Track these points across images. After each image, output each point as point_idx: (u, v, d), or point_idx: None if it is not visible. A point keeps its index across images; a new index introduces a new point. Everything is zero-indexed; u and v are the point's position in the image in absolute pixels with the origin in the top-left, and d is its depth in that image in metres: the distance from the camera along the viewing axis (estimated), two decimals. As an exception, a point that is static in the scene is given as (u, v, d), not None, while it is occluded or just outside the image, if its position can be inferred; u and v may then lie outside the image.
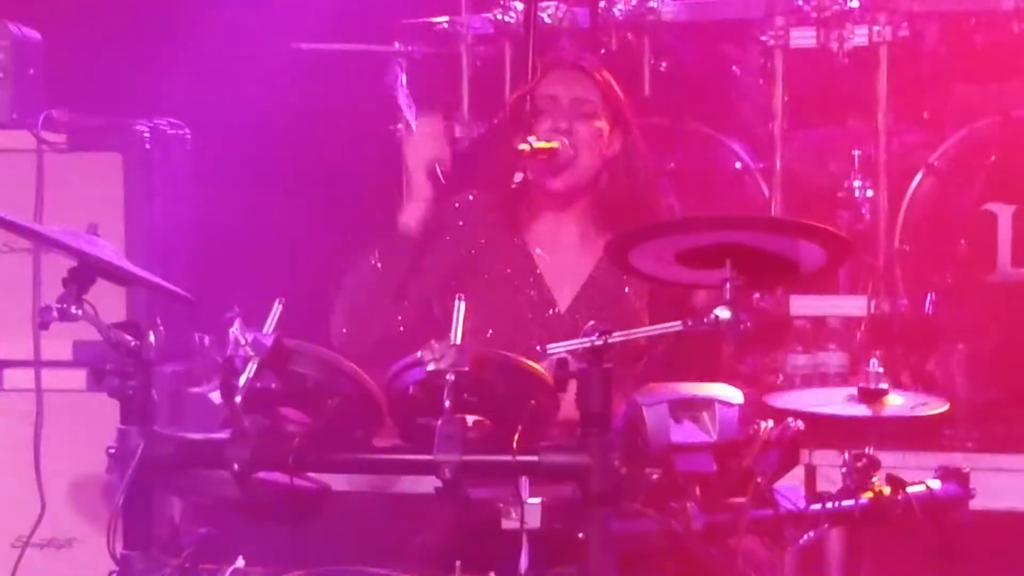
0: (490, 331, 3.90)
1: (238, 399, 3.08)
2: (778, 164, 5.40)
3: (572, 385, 3.10)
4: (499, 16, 5.79)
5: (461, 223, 4.04)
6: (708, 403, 3.22)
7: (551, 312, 3.96)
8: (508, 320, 3.90)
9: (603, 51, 5.38)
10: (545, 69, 3.98)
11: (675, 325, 3.24)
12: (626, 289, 4.00)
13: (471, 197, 4.11)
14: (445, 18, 5.93)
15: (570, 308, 3.97)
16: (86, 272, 3.27)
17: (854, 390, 3.65)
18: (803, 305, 5.22)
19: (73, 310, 3.23)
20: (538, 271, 4.00)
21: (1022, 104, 5.31)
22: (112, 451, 3.25)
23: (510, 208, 4.02)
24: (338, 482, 3.39)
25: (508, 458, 3.08)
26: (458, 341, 3.04)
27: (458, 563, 3.08)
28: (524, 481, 3.07)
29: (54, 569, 4.76)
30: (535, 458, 3.09)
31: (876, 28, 5.22)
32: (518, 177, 3.85)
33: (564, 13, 5.50)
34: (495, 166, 4.05)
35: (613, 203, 4.02)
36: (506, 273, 3.99)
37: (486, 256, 4.01)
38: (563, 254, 4.02)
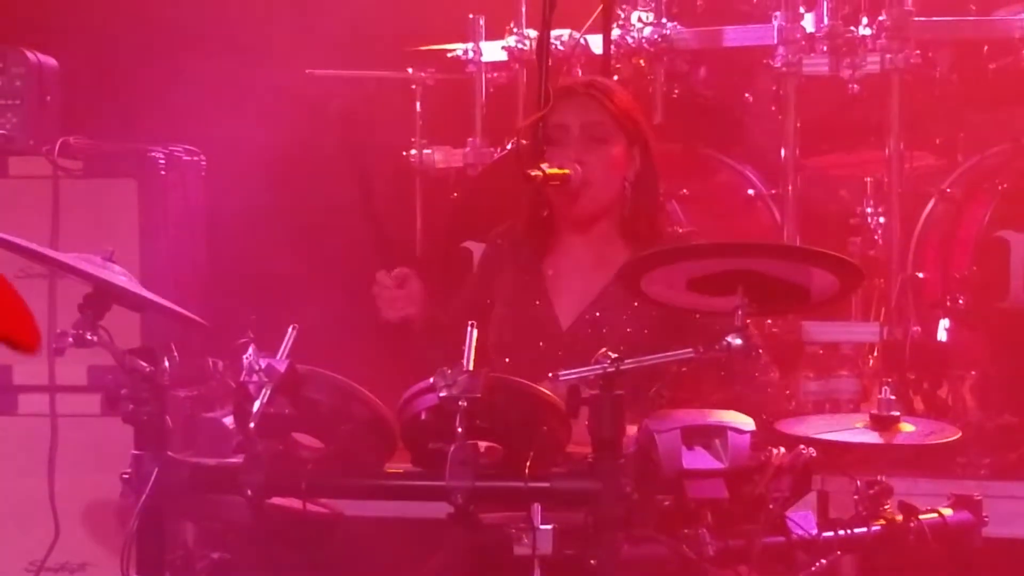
0: (493, 349, 3.91)
1: (252, 424, 3.09)
2: (790, 190, 5.41)
3: (584, 411, 3.11)
4: (513, 43, 5.81)
5: (497, 257, 4.11)
6: (720, 430, 3.22)
7: (553, 331, 3.96)
8: (510, 338, 3.92)
9: (616, 78, 5.40)
10: (556, 98, 3.98)
11: (687, 352, 3.25)
12: (631, 313, 3.96)
13: (504, 232, 4.15)
14: (459, 45, 5.96)
15: (572, 327, 3.97)
16: (101, 298, 3.29)
17: (866, 417, 3.65)
18: (815, 331, 5.22)
19: (88, 336, 3.25)
20: (546, 291, 4.01)
21: (1034, 131, 5.32)
22: (126, 476, 3.27)
23: (533, 234, 4.05)
24: (350, 507, 3.39)
25: (520, 484, 3.09)
26: (471, 367, 3.05)
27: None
28: (536, 507, 3.07)
29: (67, 594, 4.77)
30: (547, 484, 3.09)
31: (888, 56, 5.23)
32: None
33: (577, 40, 5.52)
34: (514, 194, 4.07)
35: (635, 223, 4.01)
36: (516, 292, 4.01)
37: (507, 281, 4.05)
38: (574, 274, 4.02)
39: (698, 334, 3.48)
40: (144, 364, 3.25)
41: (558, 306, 4.00)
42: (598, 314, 3.95)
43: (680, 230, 4.42)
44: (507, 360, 3.89)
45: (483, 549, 3.17)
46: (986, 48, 5.61)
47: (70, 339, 3.24)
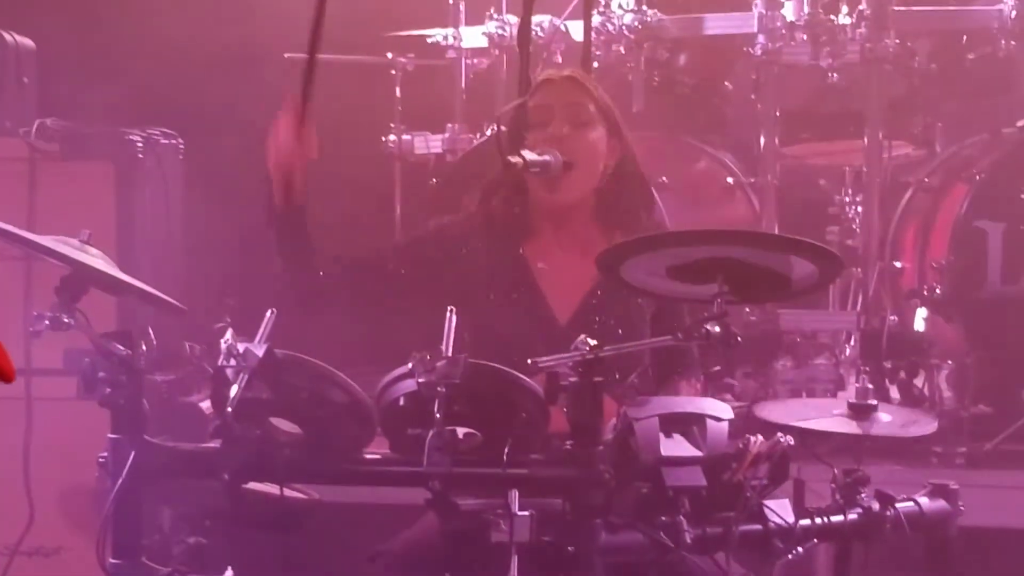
0: (492, 348, 3.83)
1: (229, 409, 3.08)
2: (769, 179, 5.42)
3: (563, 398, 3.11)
4: (493, 29, 5.80)
5: (462, 245, 3.98)
6: (698, 417, 3.22)
7: (551, 326, 3.91)
8: (509, 336, 3.85)
9: (596, 65, 5.39)
10: (537, 87, 3.94)
11: (666, 339, 3.25)
12: (632, 301, 3.93)
13: (466, 216, 4.06)
14: (439, 30, 5.95)
15: (570, 322, 3.90)
16: (78, 281, 3.27)
17: (844, 405, 3.65)
18: (793, 320, 5.23)
19: (64, 319, 3.23)
20: (538, 285, 3.94)
21: (1012, 121, 5.32)
22: (102, 460, 3.25)
23: (510, 221, 3.96)
24: (328, 493, 3.39)
25: (498, 470, 3.08)
26: (449, 353, 3.05)
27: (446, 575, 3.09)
28: (514, 494, 3.07)
29: (43, 577, 4.76)
30: (525, 471, 3.09)
31: (868, 45, 5.24)
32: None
33: (557, 27, 5.51)
34: (490, 179, 4.01)
35: (614, 213, 3.98)
36: (506, 288, 3.94)
37: (487, 273, 3.96)
38: (564, 267, 3.95)
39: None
40: (121, 348, 3.23)
41: (553, 301, 3.94)
42: (595, 304, 3.91)
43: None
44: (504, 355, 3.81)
45: (460, 535, 3.17)
46: (965, 38, 5.62)
47: (46, 322, 3.23)
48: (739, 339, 3.18)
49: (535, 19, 5.27)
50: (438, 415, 3.02)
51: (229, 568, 3.20)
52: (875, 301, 5.26)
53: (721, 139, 5.91)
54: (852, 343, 5.36)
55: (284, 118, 3.84)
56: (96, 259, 3.35)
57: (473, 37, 5.89)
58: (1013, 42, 5.27)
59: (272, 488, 3.21)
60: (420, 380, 3.04)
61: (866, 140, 5.34)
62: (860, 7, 5.26)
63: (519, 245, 3.96)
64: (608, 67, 5.55)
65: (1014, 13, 5.24)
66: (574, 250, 3.95)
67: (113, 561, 3.24)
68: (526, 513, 3.06)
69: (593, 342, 3.09)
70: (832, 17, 5.30)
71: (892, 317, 5.21)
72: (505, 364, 3.19)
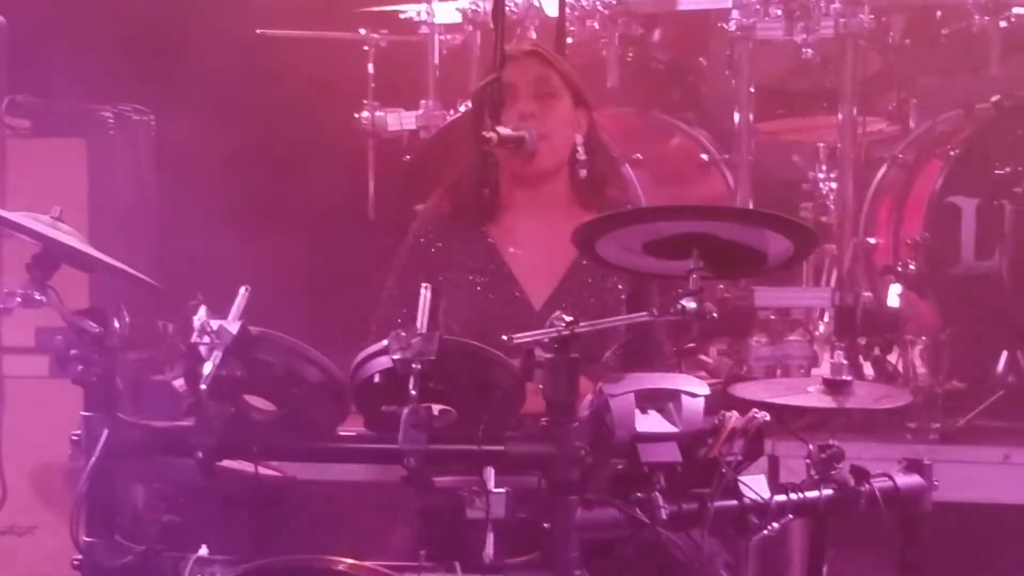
0: (466, 334, 3.80)
1: (203, 387, 3.07)
2: (744, 155, 5.42)
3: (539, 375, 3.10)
4: (466, 4, 5.78)
5: (426, 236, 3.96)
6: (674, 394, 3.22)
7: (526, 312, 3.90)
8: (484, 324, 3.84)
9: (570, 41, 5.38)
10: (504, 59, 3.93)
11: (642, 316, 3.24)
12: (606, 283, 3.93)
13: (431, 209, 4.04)
14: (412, 6, 5.92)
15: (546, 306, 3.90)
16: (49, 258, 3.25)
17: (818, 381, 3.66)
18: (768, 296, 5.24)
19: (36, 296, 3.21)
20: (511, 271, 3.94)
21: (986, 97, 5.33)
22: (75, 438, 3.24)
23: (476, 205, 3.94)
24: (302, 471, 3.38)
25: (474, 447, 3.08)
26: (424, 330, 3.04)
27: (422, 552, 3.08)
28: (489, 470, 3.06)
29: (16, 556, 4.74)
30: (500, 447, 3.09)
31: (842, 20, 5.24)
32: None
33: (531, 3, 5.50)
34: (466, 167, 3.99)
35: (584, 191, 3.97)
36: (478, 276, 3.93)
37: (456, 261, 3.94)
38: (538, 252, 3.95)
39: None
40: (93, 325, 3.21)
41: (527, 287, 3.93)
42: (569, 288, 3.90)
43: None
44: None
45: (436, 512, 3.16)
46: (939, 14, 5.62)
47: (18, 299, 3.20)
48: (714, 315, 3.18)
49: (509, -6, 5.26)
50: (413, 392, 3.01)
51: (203, 546, 3.19)
52: (849, 277, 5.27)
53: (695, 115, 5.91)
54: (826, 319, 5.37)
55: None
56: (68, 236, 3.32)
57: (446, 13, 5.87)
58: (987, 17, 5.27)
59: (246, 466, 3.20)
60: (395, 357, 3.02)
61: (840, 116, 5.34)
62: (835, -18, 5.25)
63: (489, 231, 3.95)
64: (582, 43, 5.53)
65: (988, -12, 5.24)
66: (546, 235, 3.94)
67: (87, 539, 3.23)
68: (502, 490, 3.05)
69: (568, 318, 3.08)
70: (807, -8, 5.29)
71: (866, 293, 5.22)
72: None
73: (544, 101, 3.92)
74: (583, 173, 3.94)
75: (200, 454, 3.12)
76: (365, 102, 6.00)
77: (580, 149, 3.94)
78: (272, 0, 6.03)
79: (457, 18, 5.83)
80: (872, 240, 5.38)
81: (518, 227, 3.97)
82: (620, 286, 3.91)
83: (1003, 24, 5.27)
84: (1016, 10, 5.29)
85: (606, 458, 3.16)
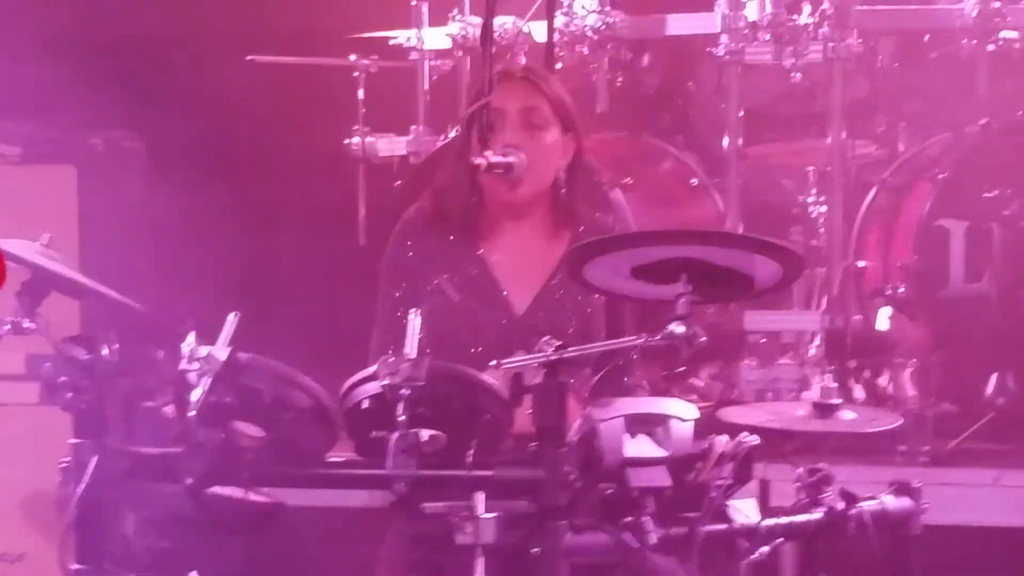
0: (448, 337, 3.84)
1: (192, 413, 3.07)
2: (733, 179, 5.43)
3: (528, 399, 3.11)
4: (456, 30, 5.79)
5: (412, 240, 3.99)
6: (662, 418, 3.23)
7: (508, 315, 3.93)
8: (465, 327, 3.87)
9: (559, 66, 5.39)
10: (493, 84, 3.95)
11: (633, 339, 3.25)
12: (583, 295, 3.95)
13: (414, 212, 4.07)
14: (402, 32, 5.94)
15: (528, 311, 3.94)
16: (40, 285, 3.26)
17: (808, 405, 3.66)
18: (758, 320, 5.24)
19: (26, 323, 3.21)
20: (494, 276, 3.97)
21: (974, 120, 5.35)
22: (65, 465, 3.23)
23: (466, 219, 3.98)
24: (292, 497, 3.38)
25: (463, 472, 3.08)
26: (413, 355, 3.04)
27: (412, 577, 3.09)
28: (479, 495, 3.06)
29: (6, 583, 4.73)
30: (490, 473, 3.09)
31: (830, 44, 5.25)
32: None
33: (520, 28, 5.51)
34: (450, 180, 4.01)
35: (569, 207, 4.01)
36: (462, 282, 3.96)
37: (441, 269, 3.97)
38: (520, 258, 3.98)
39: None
40: (82, 352, 3.22)
41: (509, 291, 3.96)
42: (552, 292, 3.93)
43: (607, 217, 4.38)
44: (462, 347, 3.82)
45: (425, 537, 3.16)
46: (927, 38, 5.64)
47: (7, 327, 3.21)
48: (703, 339, 3.18)
49: (498, 20, 5.28)
50: (402, 417, 3.02)
51: (193, 572, 3.19)
52: (839, 301, 5.28)
53: (685, 140, 5.91)
54: (817, 343, 5.37)
55: None
56: (57, 263, 3.33)
57: (436, 39, 5.88)
58: (975, 41, 5.29)
59: (236, 492, 3.20)
60: (384, 382, 3.03)
61: (829, 140, 5.36)
62: (823, 7, 5.27)
63: (474, 239, 3.98)
64: (571, 68, 5.54)
65: (975, 12, 5.25)
66: (530, 242, 3.98)
67: (77, 567, 3.23)
68: (491, 515, 3.06)
69: (557, 343, 3.09)
70: (795, 17, 5.30)
71: (856, 316, 5.23)
72: (462, 355, 3.19)
73: (530, 132, 3.94)
74: (562, 193, 3.98)
75: (189, 480, 3.12)
76: (355, 128, 6.01)
77: (562, 174, 3.97)
78: (262, 27, 6.04)
79: (447, 44, 5.84)
80: (862, 263, 5.39)
81: (503, 237, 3.99)
82: (599, 297, 3.93)
83: (991, 48, 5.29)
84: (1003, 34, 5.31)
85: (595, 482, 3.16)
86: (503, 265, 3.96)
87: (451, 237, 3.96)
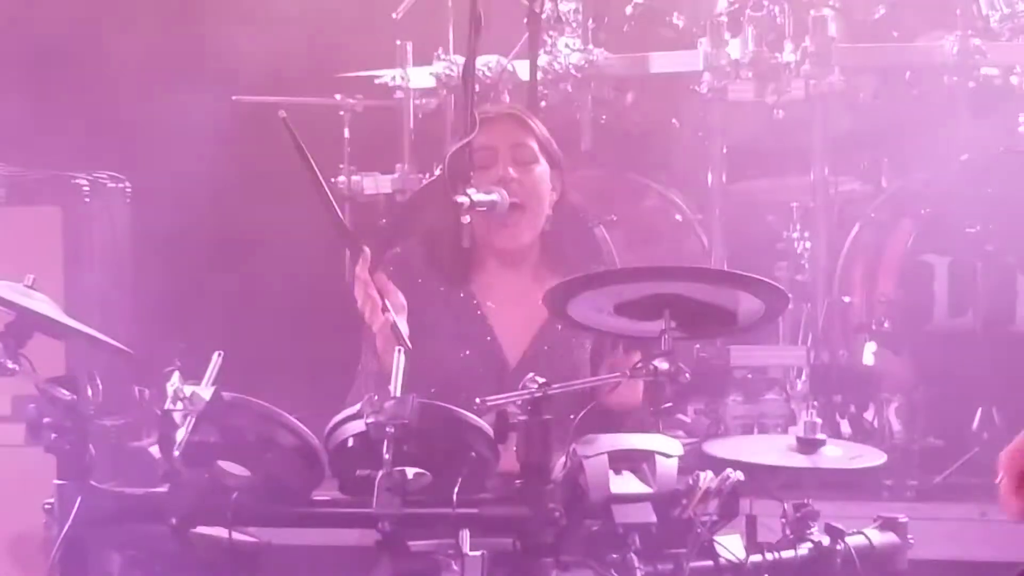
0: (436, 388, 3.80)
1: (177, 453, 3.07)
2: (717, 215, 5.44)
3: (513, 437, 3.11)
4: (440, 69, 5.81)
5: (414, 276, 3.97)
6: (647, 454, 3.23)
7: (501, 368, 3.90)
8: (459, 377, 3.84)
9: (543, 104, 5.42)
10: (481, 123, 3.94)
11: (615, 376, 3.26)
12: (574, 340, 3.94)
13: (399, 251, 4.06)
14: (387, 71, 5.95)
15: (520, 364, 3.90)
16: (23, 326, 3.26)
17: (793, 440, 3.67)
18: (743, 355, 5.25)
19: (10, 364, 3.21)
20: (490, 325, 3.94)
21: (956, 156, 5.37)
22: (49, 506, 3.23)
23: (454, 260, 3.96)
24: (277, 536, 3.37)
25: (448, 510, 3.08)
26: (398, 393, 3.04)
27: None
28: (465, 533, 3.06)
29: (-9, 625, 4.71)
30: (475, 510, 3.09)
31: (812, 81, 5.28)
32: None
33: (504, 67, 5.53)
34: (437, 219, 4.00)
35: (560, 249, 4.00)
36: (456, 329, 3.93)
37: (431, 312, 3.95)
38: (514, 307, 3.96)
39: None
40: (66, 393, 3.21)
41: (503, 341, 3.94)
42: (544, 348, 3.92)
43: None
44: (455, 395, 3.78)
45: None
46: (908, 74, 5.67)
47: (-8, 368, 3.21)
48: (687, 376, 3.19)
49: (482, 59, 5.30)
50: (387, 455, 3.02)
51: (179, 612, 3.18)
52: (824, 336, 5.29)
53: (669, 176, 5.93)
54: (803, 378, 5.38)
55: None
56: (41, 304, 3.33)
57: (421, 78, 5.90)
58: (956, 77, 5.32)
59: (221, 532, 3.19)
60: (369, 421, 3.03)
61: (812, 176, 5.38)
62: (804, 44, 5.30)
63: (467, 283, 3.96)
64: (555, 106, 5.56)
65: (956, 49, 5.29)
66: (523, 288, 3.96)
67: (62, 607, 3.22)
68: (477, 553, 3.05)
69: (541, 380, 3.09)
70: (777, 55, 5.33)
71: (841, 351, 5.24)
72: (454, 404, 3.18)
73: (523, 167, 3.94)
74: (552, 239, 3.97)
75: (174, 521, 3.11)
76: (341, 166, 6.02)
77: (550, 211, 3.97)
78: (248, 66, 6.05)
79: (432, 83, 5.86)
80: (847, 298, 5.40)
81: (496, 282, 3.98)
82: (586, 344, 3.93)
83: (971, 84, 5.32)
84: (984, 70, 5.34)
85: (581, 519, 3.16)
86: (496, 313, 3.94)
87: (440, 279, 3.95)
